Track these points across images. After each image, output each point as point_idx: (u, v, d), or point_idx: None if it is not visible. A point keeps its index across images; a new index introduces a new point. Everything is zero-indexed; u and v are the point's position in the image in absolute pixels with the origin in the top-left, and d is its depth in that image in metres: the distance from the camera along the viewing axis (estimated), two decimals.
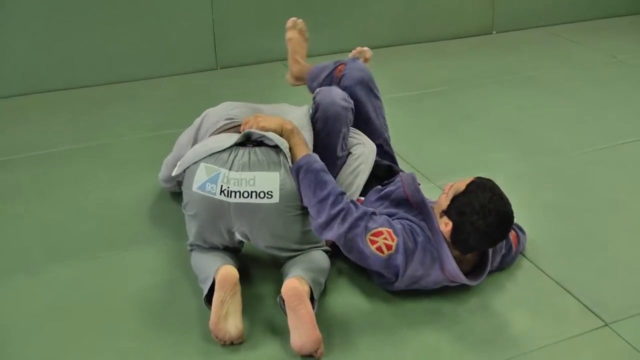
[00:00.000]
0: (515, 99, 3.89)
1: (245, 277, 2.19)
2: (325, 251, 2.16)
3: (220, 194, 1.98)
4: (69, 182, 2.94)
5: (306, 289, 1.91)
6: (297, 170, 2.01)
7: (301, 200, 2.03)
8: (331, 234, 1.98)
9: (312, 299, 1.95)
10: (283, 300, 1.91)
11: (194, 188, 2.03)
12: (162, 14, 4.17)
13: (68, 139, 3.37)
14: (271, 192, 1.98)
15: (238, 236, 2.09)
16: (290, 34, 2.64)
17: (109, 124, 3.56)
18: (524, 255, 2.38)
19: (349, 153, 2.38)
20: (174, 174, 2.17)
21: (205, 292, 2.02)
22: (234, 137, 2.07)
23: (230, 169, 1.99)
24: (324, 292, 2.14)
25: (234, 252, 2.18)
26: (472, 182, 2.05)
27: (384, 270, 2.04)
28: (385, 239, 1.99)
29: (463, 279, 2.04)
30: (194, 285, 2.16)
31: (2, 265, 2.36)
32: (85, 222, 2.61)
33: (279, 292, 2.03)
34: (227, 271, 1.95)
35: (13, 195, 2.84)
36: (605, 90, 4.00)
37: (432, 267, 2.04)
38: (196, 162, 2.05)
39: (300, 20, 2.67)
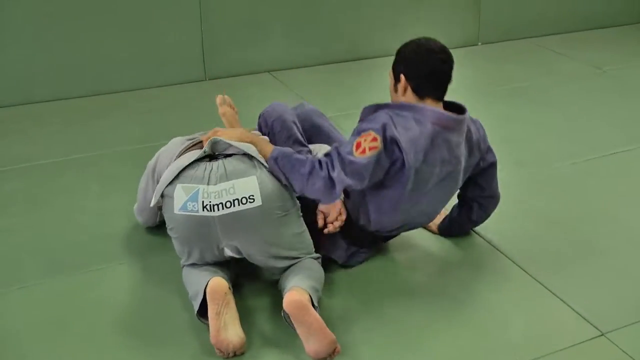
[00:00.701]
0: (503, 109, 3.93)
1: (238, 291, 2.19)
2: (316, 258, 2.16)
3: (203, 209, 1.98)
4: (61, 194, 2.92)
5: (306, 297, 1.91)
6: (275, 162, 2.05)
7: (291, 189, 2.06)
8: (337, 184, 2.03)
9: (312, 306, 1.94)
10: (288, 314, 1.91)
11: (176, 210, 2.02)
12: (152, 25, 4.17)
13: (59, 151, 3.35)
14: (252, 195, 1.98)
15: (228, 252, 2.06)
16: (223, 110, 2.67)
17: (99, 135, 3.54)
18: (517, 265, 2.40)
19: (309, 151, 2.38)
20: (152, 204, 2.15)
21: (196, 308, 2.01)
22: (200, 152, 2.07)
23: (208, 184, 1.99)
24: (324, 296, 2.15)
25: (227, 265, 2.17)
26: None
27: (386, 160, 2.09)
28: (365, 140, 2.06)
29: (448, 115, 2.14)
30: (186, 299, 2.14)
31: None
32: (77, 234, 2.59)
33: (274, 303, 2.04)
34: (215, 283, 1.94)
35: (4, 207, 2.82)
36: (592, 101, 4.06)
37: (418, 124, 2.11)
38: (171, 183, 2.04)
39: (227, 96, 2.75)
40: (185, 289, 2.14)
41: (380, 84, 4.25)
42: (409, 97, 2.17)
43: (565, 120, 3.78)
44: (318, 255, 2.18)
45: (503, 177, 3.03)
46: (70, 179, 3.07)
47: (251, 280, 2.28)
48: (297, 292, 1.91)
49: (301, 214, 2.14)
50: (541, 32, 5.43)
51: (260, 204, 1.98)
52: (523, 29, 5.37)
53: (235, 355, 1.92)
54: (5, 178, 3.08)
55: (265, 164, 2.05)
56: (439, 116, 2.13)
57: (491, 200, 2.47)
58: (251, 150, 2.06)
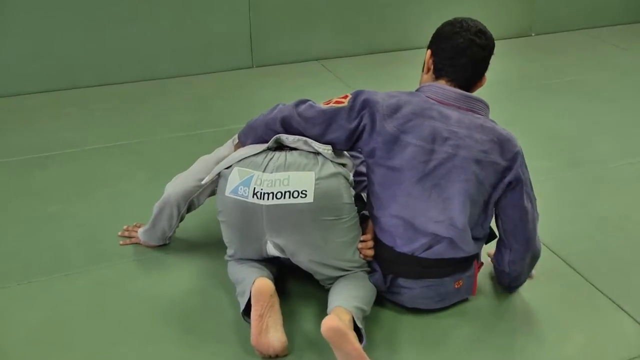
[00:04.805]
0: (556, 104, 3.79)
1: (285, 290, 2.13)
2: (369, 272, 2.05)
3: (253, 196, 1.91)
4: (106, 181, 2.91)
5: (347, 318, 1.79)
6: (248, 128, 2.09)
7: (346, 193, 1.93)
8: (283, 109, 2.00)
9: (356, 328, 1.84)
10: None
11: (227, 192, 1.97)
12: (200, 11, 4.13)
13: (104, 136, 3.35)
14: (305, 191, 1.89)
15: (271, 249, 1.99)
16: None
17: (144, 122, 3.53)
18: (575, 270, 2.29)
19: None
20: (205, 181, 2.11)
21: (243, 306, 1.96)
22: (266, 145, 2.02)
23: (264, 171, 1.93)
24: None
25: (273, 263, 2.11)
26: None
27: (347, 120, 1.92)
28: (337, 98, 1.98)
29: (448, 89, 1.91)
30: (231, 294, 2.10)
31: (38, 265, 2.32)
32: (122, 222, 2.56)
33: (322, 306, 1.97)
34: (261, 284, 1.88)
35: (51, 193, 2.82)
36: None
37: (409, 94, 1.94)
38: (229, 166, 1.99)
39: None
40: (230, 284, 2.10)
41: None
42: (429, 77, 1.99)
43: (623, 116, 3.63)
44: (369, 269, 2.07)
45: (557, 177, 2.96)
46: (115, 165, 3.06)
47: (300, 281, 2.20)
48: (337, 315, 1.79)
49: (358, 226, 2.01)
50: (598, 23, 5.24)
51: (311, 201, 1.90)
52: (579, 19, 5.20)
53: (277, 357, 1.87)
54: (52, 163, 3.08)
55: (334, 164, 1.94)
56: (436, 90, 1.93)
57: (516, 238, 1.99)
58: (322, 149, 1.96)
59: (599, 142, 3.30)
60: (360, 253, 2.01)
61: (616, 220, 2.61)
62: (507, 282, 2.12)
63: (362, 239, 2.02)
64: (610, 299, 2.15)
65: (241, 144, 2.16)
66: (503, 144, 1.90)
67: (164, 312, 2.09)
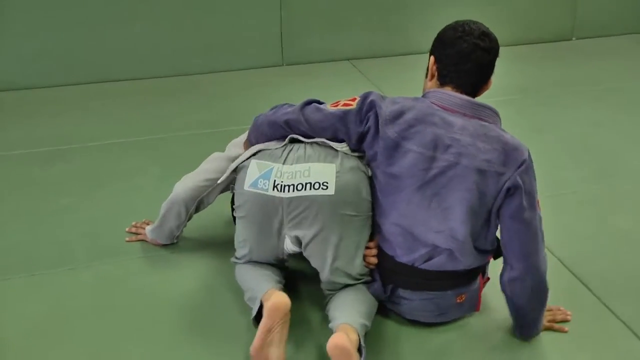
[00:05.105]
0: (591, 112, 3.64)
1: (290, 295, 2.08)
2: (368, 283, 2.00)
3: (274, 189, 1.88)
4: (121, 175, 2.92)
5: (354, 338, 1.74)
6: (254, 127, 2.06)
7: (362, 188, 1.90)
8: (289, 109, 1.98)
9: (359, 348, 1.79)
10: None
11: (246, 186, 1.93)
12: (231, 8, 4.12)
13: (126, 131, 3.36)
14: (327, 182, 1.85)
15: (289, 243, 1.95)
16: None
17: (168, 117, 3.53)
18: (588, 289, 2.19)
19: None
20: (221, 180, 2.08)
21: (254, 313, 1.91)
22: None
23: (284, 163, 1.90)
24: None
25: (281, 269, 2.07)
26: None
27: (355, 123, 1.88)
28: (345, 100, 1.93)
29: (454, 95, 1.84)
30: (236, 295, 2.07)
31: (44, 258, 2.34)
32: (131, 218, 2.56)
33: (326, 316, 1.92)
34: (279, 300, 1.80)
35: (66, 185, 2.84)
36: None
37: (413, 100, 1.88)
38: (247, 159, 1.97)
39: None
40: (236, 286, 2.07)
41: None
42: (433, 84, 1.91)
43: None
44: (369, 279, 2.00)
45: (582, 189, 2.84)
46: (132, 160, 3.06)
47: (305, 283, 2.16)
48: (346, 333, 1.73)
49: (369, 227, 1.96)
50: None
51: (333, 193, 1.85)
52: (622, 24, 5.00)
53: None
54: (72, 156, 3.11)
55: (354, 158, 1.91)
56: (440, 96, 1.85)
57: (514, 252, 1.83)
58: (339, 146, 1.92)
59: (631, 155, 3.15)
60: (364, 260, 1.96)
61: (638, 238, 2.48)
62: (519, 324, 1.94)
63: (367, 245, 1.97)
64: (623, 322, 2.04)
65: (249, 143, 2.13)
66: (509, 152, 1.79)
67: (167, 310, 2.08)
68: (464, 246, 1.84)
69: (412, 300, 1.95)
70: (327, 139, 1.94)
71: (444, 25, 1.92)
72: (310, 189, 1.86)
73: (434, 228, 1.84)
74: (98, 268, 2.29)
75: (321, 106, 1.97)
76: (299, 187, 1.87)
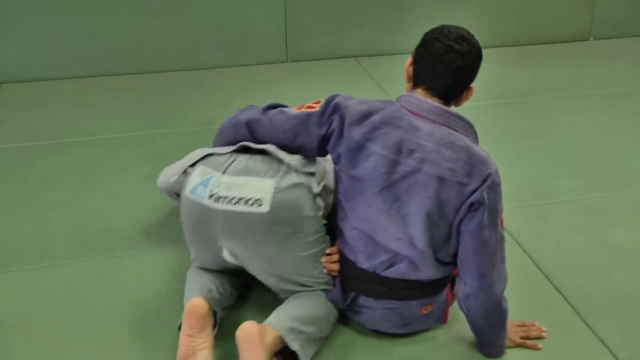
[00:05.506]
0: (598, 117, 3.54)
1: (239, 311, 2.04)
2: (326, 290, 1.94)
3: (210, 198, 1.85)
4: (113, 171, 2.92)
5: (272, 334, 1.73)
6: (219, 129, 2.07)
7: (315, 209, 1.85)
8: (249, 111, 1.97)
9: (289, 351, 1.76)
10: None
11: (186, 192, 1.91)
12: (236, 3, 4.09)
13: (124, 126, 3.37)
14: (261, 199, 1.80)
15: (227, 255, 1.90)
16: None
17: (168, 113, 3.53)
18: (569, 303, 2.12)
19: None
20: (172, 180, 2.07)
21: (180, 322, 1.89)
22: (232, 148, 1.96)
23: (224, 173, 1.86)
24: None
25: (230, 278, 2.01)
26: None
27: (317, 125, 1.84)
28: (309, 107, 1.90)
29: (423, 100, 1.77)
30: None
31: (23, 255, 2.34)
32: (115, 217, 2.56)
33: None
34: (193, 304, 1.79)
35: (57, 180, 2.85)
36: None
37: (383, 102, 1.83)
38: (194, 164, 1.94)
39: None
40: None
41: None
42: (409, 87, 1.86)
43: None
44: (330, 287, 1.94)
45: (579, 198, 2.75)
46: (129, 156, 3.06)
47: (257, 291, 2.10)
48: (259, 326, 1.71)
49: (322, 240, 1.91)
50: None
51: (267, 211, 1.80)
52: None
53: None
54: (67, 150, 3.12)
55: (298, 174, 1.85)
56: (411, 100, 1.80)
57: (469, 269, 1.76)
58: (288, 158, 1.87)
59: (637, 163, 3.05)
60: (324, 267, 1.92)
61: (631, 252, 2.40)
62: (480, 342, 1.88)
63: (327, 251, 1.92)
64: (600, 339, 1.97)
65: (212, 145, 2.10)
66: (474, 164, 1.72)
67: (128, 314, 2.06)
68: (423, 256, 1.79)
69: (374, 310, 1.90)
70: (282, 146, 1.90)
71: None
72: (244, 204, 1.81)
73: (393, 234, 1.79)
74: (74, 266, 2.29)
75: (285, 109, 1.94)
76: (234, 200, 1.82)
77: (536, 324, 1.99)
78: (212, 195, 1.84)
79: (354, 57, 4.39)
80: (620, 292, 2.19)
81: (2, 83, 3.87)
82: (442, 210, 1.74)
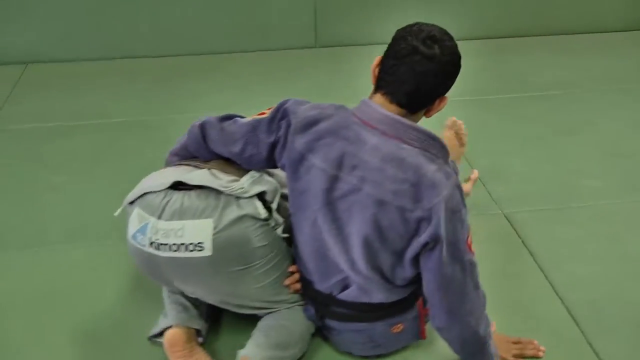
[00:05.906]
0: (634, 113, 3.29)
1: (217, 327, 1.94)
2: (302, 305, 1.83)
3: (150, 246, 1.71)
4: (120, 156, 2.87)
5: None
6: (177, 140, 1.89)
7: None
8: (198, 124, 1.80)
9: None
10: None
11: (128, 236, 1.78)
12: None
13: (136, 110, 3.31)
14: (201, 243, 1.66)
15: (188, 293, 1.80)
16: (446, 134, 2.32)
17: (181, 98, 3.45)
18: (575, 321, 1.94)
19: None
20: (116, 214, 1.89)
21: (152, 332, 1.84)
22: (178, 174, 1.77)
23: (159, 218, 1.70)
24: None
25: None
26: None
27: (266, 133, 1.67)
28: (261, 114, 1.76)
29: (376, 109, 1.55)
30: None
31: (14, 240, 2.32)
32: (116, 200, 2.47)
33: None
34: (171, 336, 1.75)
35: (65, 163, 2.82)
36: None
37: (336, 108, 1.62)
38: (132, 202, 1.79)
39: (460, 122, 2.35)
40: None
41: (499, 69, 3.77)
42: (375, 75, 1.62)
43: None
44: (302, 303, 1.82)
45: (602, 202, 2.54)
46: (132, 140, 3.01)
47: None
48: None
49: (281, 263, 1.77)
50: None
51: (210, 254, 1.66)
52: None
53: None
54: (77, 133, 3.09)
55: (239, 206, 1.69)
56: (363, 107, 1.58)
57: (437, 306, 1.59)
58: (227, 188, 1.69)
59: None
60: (289, 287, 1.79)
61: None
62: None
63: (290, 269, 1.78)
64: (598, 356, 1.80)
65: (166, 161, 1.97)
66: (422, 188, 1.50)
67: (98, 308, 2.01)
68: (370, 281, 1.63)
69: (340, 332, 1.77)
70: (235, 156, 1.76)
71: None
72: (185, 250, 1.67)
73: (337, 255, 1.63)
74: (64, 252, 2.25)
75: (239, 119, 1.78)
76: (174, 247, 1.68)
77: (534, 341, 1.82)
78: (152, 243, 1.71)
79: (385, 43, 4.20)
80: (633, 310, 1.99)
81: (27, 63, 3.87)
82: (383, 237, 1.56)
